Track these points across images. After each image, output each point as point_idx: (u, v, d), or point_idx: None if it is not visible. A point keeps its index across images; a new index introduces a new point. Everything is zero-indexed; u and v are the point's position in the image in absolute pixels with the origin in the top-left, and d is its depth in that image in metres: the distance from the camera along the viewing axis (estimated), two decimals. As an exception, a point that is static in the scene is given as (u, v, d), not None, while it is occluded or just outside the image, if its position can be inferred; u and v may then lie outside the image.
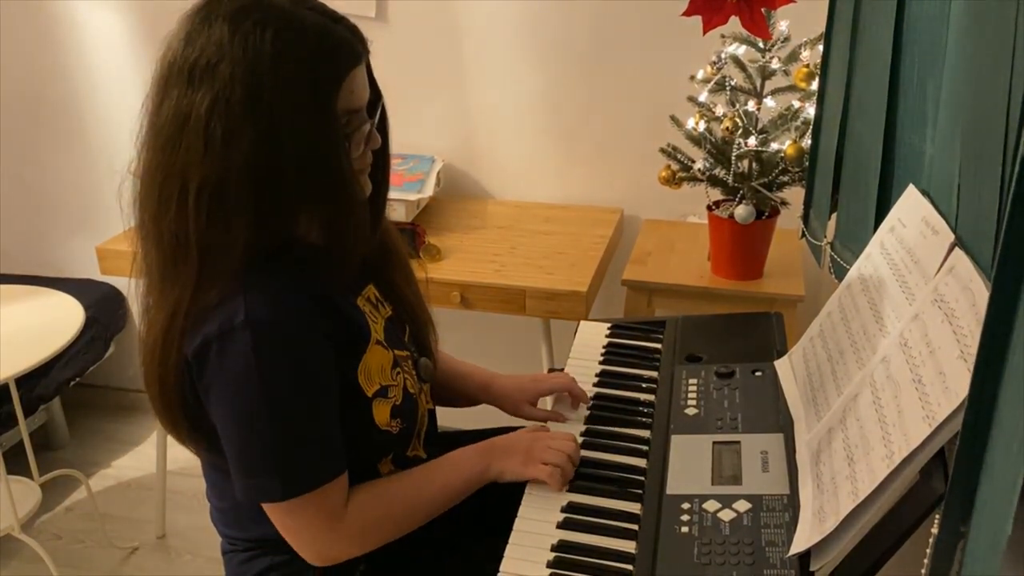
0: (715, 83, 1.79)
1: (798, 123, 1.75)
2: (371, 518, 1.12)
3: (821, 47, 1.54)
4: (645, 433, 1.26)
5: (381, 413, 1.15)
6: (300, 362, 1.05)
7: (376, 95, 1.14)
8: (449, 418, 1.45)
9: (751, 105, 1.77)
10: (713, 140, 1.80)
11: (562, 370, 1.43)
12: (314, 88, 1.01)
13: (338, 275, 1.12)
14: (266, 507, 1.10)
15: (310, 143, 1.02)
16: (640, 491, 1.14)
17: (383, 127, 1.16)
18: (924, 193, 1.12)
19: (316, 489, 1.07)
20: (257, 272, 1.05)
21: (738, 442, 1.18)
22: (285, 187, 1.03)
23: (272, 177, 1.01)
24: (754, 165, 1.79)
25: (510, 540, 1.09)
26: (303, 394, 1.05)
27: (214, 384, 1.04)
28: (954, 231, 1.00)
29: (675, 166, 1.85)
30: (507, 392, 1.37)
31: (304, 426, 1.06)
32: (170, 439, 1.20)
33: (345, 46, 1.05)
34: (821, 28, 1.53)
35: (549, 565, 1.05)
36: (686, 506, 1.08)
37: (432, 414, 1.30)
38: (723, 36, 1.77)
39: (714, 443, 1.19)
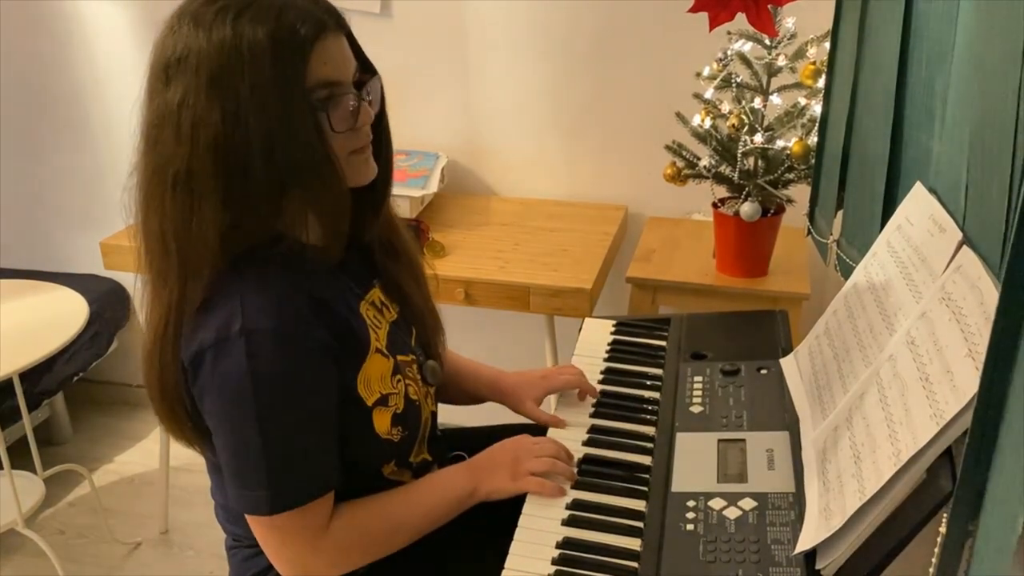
0: (721, 80, 1.78)
1: (804, 120, 1.75)
2: (353, 538, 1.11)
3: (828, 44, 1.54)
4: (650, 431, 1.25)
5: (382, 422, 1.14)
6: (295, 375, 1.04)
7: (367, 71, 1.12)
8: (449, 415, 1.45)
9: (757, 102, 1.77)
10: (719, 137, 1.79)
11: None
12: (276, 62, 1.00)
13: (330, 259, 1.10)
14: (249, 518, 1.09)
15: (276, 117, 1.00)
16: (645, 489, 1.14)
17: (381, 107, 1.14)
18: (931, 191, 1.11)
19: (303, 505, 1.06)
20: (254, 273, 1.05)
21: (743, 440, 1.17)
22: (252, 169, 1.01)
23: (239, 160, 1.00)
24: (760, 162, 1.79)
25: (515, 537, 1.09)
26: (296, 408, 1.04)
27: (208, 392, 1.04)
28: (962, 229, 1.00)
29: (680, 163, 1.85)
30: (514, 388, 1.36)
31: (295, 440, 1.05)
32: (173, 435, 1.19)
33: (308, 17, 1.02)
34: (828, 25, 1.53)
35: (554, 562, 1.04)
36: (691, 504, 1.08)
37: (433, 416, 1.29)
38: (729, 33, 1.77)
39: (719, 441, 1.18)
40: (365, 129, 1.10)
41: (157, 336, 1.06)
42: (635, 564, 1.03)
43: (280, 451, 1.04)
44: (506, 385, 1.38)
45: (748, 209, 1.78)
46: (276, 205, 1.06)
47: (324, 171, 1.04)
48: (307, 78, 1.02)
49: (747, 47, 1.77)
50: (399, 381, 1.16)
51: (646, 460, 1.20)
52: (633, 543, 1.06)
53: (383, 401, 1.14)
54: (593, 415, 1.31)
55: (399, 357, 1.18)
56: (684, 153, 1.85)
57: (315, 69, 1.02)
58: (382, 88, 1.14)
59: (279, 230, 1.08)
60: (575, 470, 1.19)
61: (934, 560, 0.82)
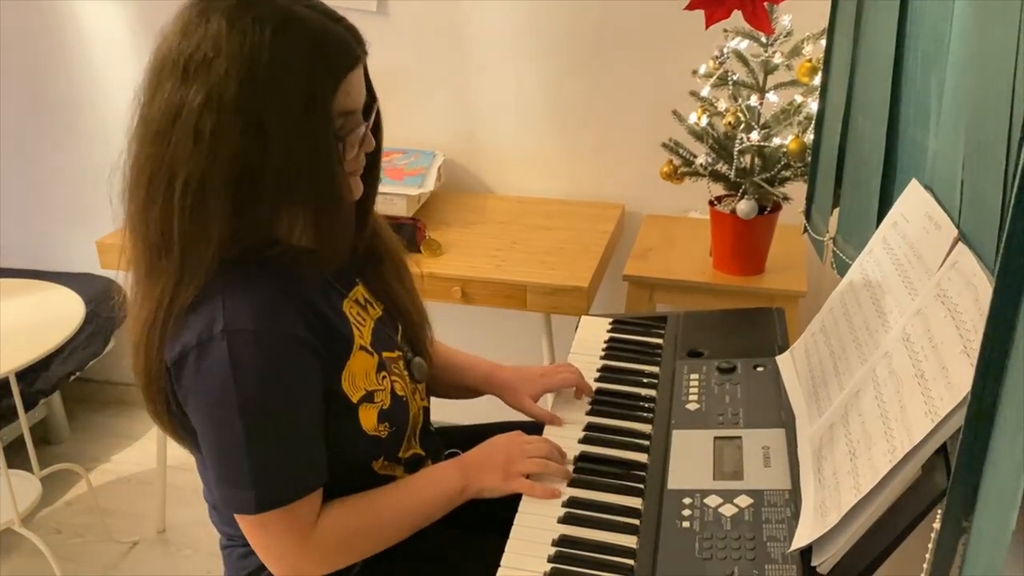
0: (717, 78, 1.78)
1: (800, 118, 1.75)
2: (342, 536, 1.11)
3: (824, 41, 1.54)
4: (646, 428, 1.25)
5: (368, 419, 1.13)
6: (278, 374, 1.03)
7: (371, 97, 1.13)
8: (445, 413, 1.45)
9: (753, 100, 1.77)
10: (715, 135, 1.79)
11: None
12: (309, 88, 1.00)
13: (320, 274, 1.11)
14: (237, 517, 1.09)
15: (301, 143, 1.01)
16: (641, 486, 1.14)
17: (377, 130, 1.15)
18: (927, 188, 1.12)
19: (288, 504, 1.05)
20: (238, 274, 1.04)
21: (739, 437, 1.18)
22: (267, 186, 1.01)
23: (254, 175, 1.00)
24: (756, 160, 1.79)
25: (511, 535, 1.09)
26: (279, 407, 1.04)
27: (191, 393, 1.04)
28: (957, 226, 1.00)
29: (677, 161, 1.85)
30: (510, 382, 1.36)
31: (279, 440, 1.05)
32: (170, 433, 1.19)
33: (344, 46, 1.03)
34: (824, 22, 1.53)
35: (550, 560, 1.04)
36: (687, 501, 1.08)
37: (426, 411, 1.29)
38: (725, 31, 1.76)
39: (715, 438, 1.18)
40: (363, 156, 1.11)
41: (145, 331, 1.06)
42: (631, 561, 1.03)
43: (264, 451, 1.03)
44: (502, 379, 1.37)
45: (744, 207, 1.78)
46: (280, 214, 1.07)
47: (337, 195, 1.06)
48: (333, 107, 1.03)
49: (743, 45, 1.77)
50: (384, 377, 1.16)
51: (642, 458, 1.20)
52: (629, 540, 1.06)
53: (368, 398, 1.13)
54: (590, 412, 1.31)
55: (385, 354, 1.18)
56: (681, 151, 1.85)
57: (339, 99, 1.03)
58: (379, 111, 1.14)
59: (274, 235, 1.08)
60: (570, 468, 1.18)
61: (928, 556, 0.82)
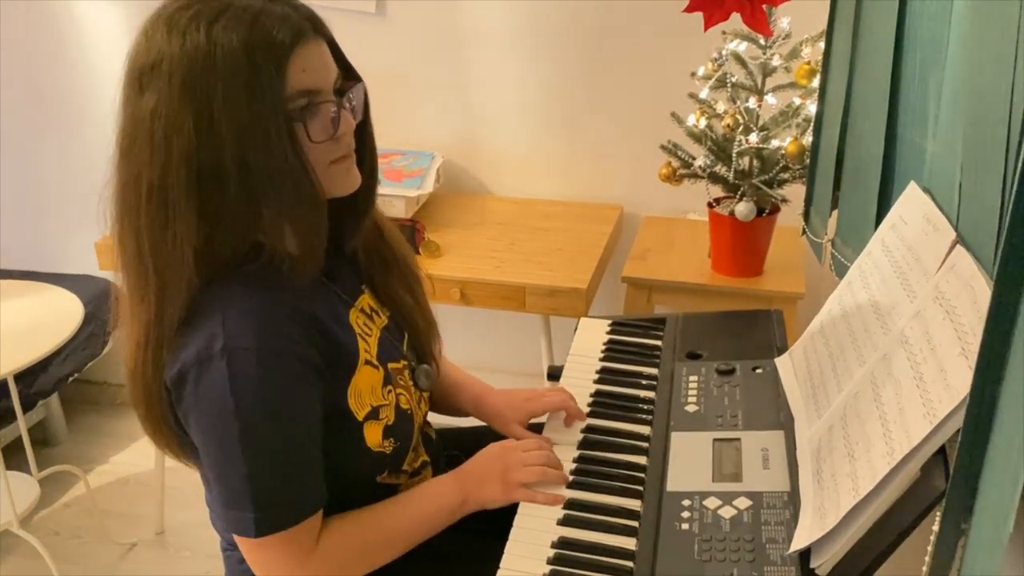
0: (716, 80, 1.79)
1: (799, 120, 1.75)
2: (342, 555, 1.10)
3: (822, 44, 1.54)
4: (645, 430, 1.26)
5: (373, 435, 1.12)
6: (279, 394, 1.02)
7: (351, 77, 1.09)
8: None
9: (752, 102, 1.77)
10: (714, 137, 1.79)
11: (561, 368, 1.43)
12: (251, 71, 0.97)
13: (308, 274, 1.07)
14: (237, 540, 1.08)
15: (250, 130, 0.97)
16: (640, 488, 1.14)
17: (365, 115, 1.11)
18: (925, 190, 1.12)
19: (289, 528, 1.04)
20: (235, 287, 1.02)
21: (738, 439, 1.18)
22: (229, 182, 0.98)
23: (214, 174, 0.98)
24: (755, 162, 1.79)
25: (510, 537, 1.09)
26: (280, 429, 1.02)
27: (191, 411, 1.02)
28: (955, 228, 1.00)
29: (676, 163, 1.85)
30: (498, 410, 1.33)
31: (280, 463, 1.03)
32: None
33: (285, 22, 0.99)
34: (822, 25, 1.53)
35: (549, 562, 1.05)
36: (687, 503, 1.08)
37: (424, 415, 1.28)
38: (724, 33, 1.77)
39: (714, 440, 1.18)
40: (346, 139, 1.07)
41: (139, 356, 1.03)
42: (630, 563, 1.03)
43: (265, 474, 1.02)
44: (490, 405, 1.34)
45: (743, 209, 1.78)
46: (254, 216, 1.03)
47: (299, 183, 1.01)
48: (284, 87, 0.99)
49: (742, 47, 1.77)
50: (390, 392, 1.15)
51: (641, 459, 1.20)
52: (628, 542, 1.06)
53: (374, 414, 1.12)
54: (589, 415, 1.31)
55: (390, 365, 1.16)
56: (679, 153, 1.85)
57: (293, 78, 0.99)
58: (366, 95, 1.11)
59: (259, 240, 1.05)
60: (569, 469, 1.18)
61: (927, 558, 0.83)
